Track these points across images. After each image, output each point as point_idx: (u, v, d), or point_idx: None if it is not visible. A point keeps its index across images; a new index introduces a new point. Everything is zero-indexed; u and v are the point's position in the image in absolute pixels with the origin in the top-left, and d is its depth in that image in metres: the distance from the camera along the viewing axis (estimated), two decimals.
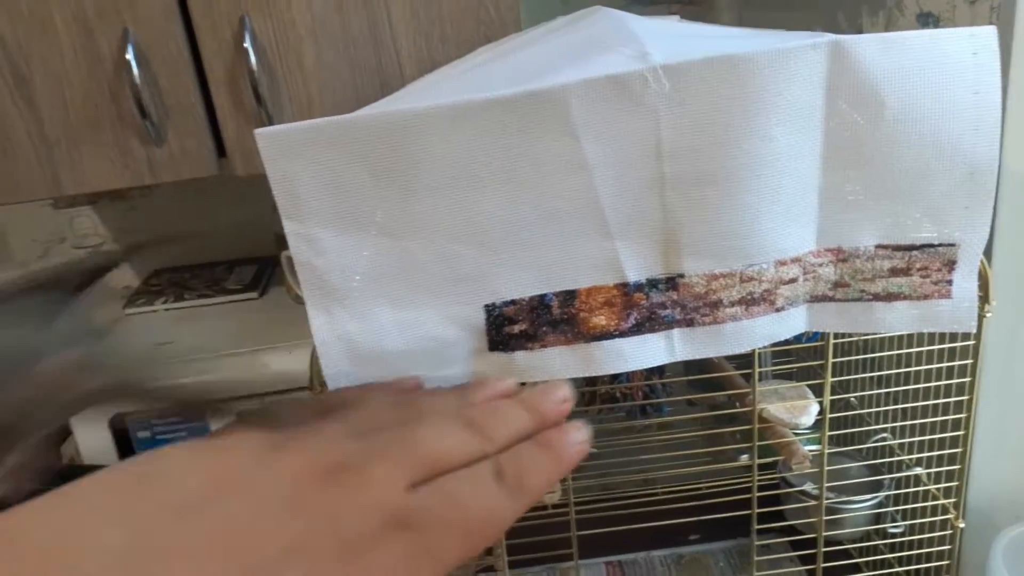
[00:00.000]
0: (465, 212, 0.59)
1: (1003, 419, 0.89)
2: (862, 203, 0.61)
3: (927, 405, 0.78)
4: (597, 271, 0.61)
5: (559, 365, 0.63)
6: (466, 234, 0.59)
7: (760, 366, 0.74)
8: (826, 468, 0.76)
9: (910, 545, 0.84)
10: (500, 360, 0.64)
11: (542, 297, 0.62)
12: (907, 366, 0.78)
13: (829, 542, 0.80)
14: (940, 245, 0.61)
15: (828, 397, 0.72)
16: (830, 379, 0.71)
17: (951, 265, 0.62)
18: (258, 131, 0.56)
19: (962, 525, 0.77)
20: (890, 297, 0.63)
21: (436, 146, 0.57)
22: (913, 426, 0.80)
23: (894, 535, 0.88)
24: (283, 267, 1.26)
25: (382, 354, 0.61)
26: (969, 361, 0.73)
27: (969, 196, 0.59)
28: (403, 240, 0.59)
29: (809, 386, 0.78)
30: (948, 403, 0.76)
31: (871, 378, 0.83)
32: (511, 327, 0.62)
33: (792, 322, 0.64)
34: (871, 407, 0.87)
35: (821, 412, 0.74)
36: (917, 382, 0.77)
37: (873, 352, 0.82)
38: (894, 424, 0.85)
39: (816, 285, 0.64)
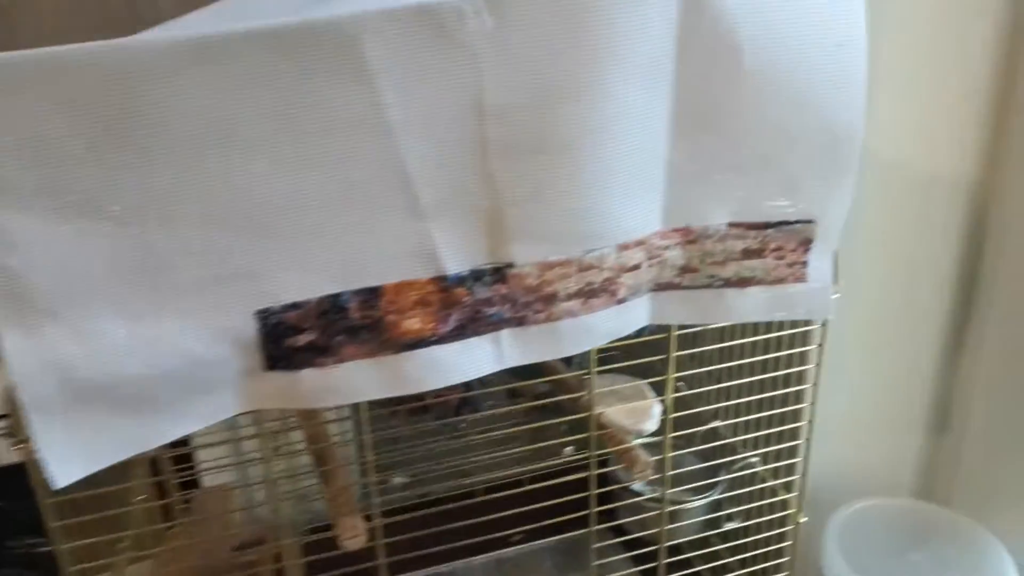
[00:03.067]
0: (225, 187, 0.44)
1: (829, 397, 0.87)
2: (715, 174, 0.53)
3: (761, 388, 0.72)
4: (407, 262, 0.49)
5: (360, 384, 0.50)
6: (228, 217, 0.45)
7: (588, 356, 0.64)
8: (668, 472, 0.68)
9: (747, 538, 0.79)
10: (282, 382, 0.50)
11: (335, 297, 0.49)
12: (741, 351, 0.72)
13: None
14: (797, 222, 0.55)
15: (671, 394, 0.64)
16: (673, 375, 0.63)
17: (807, 244, 0.55)
18: None
19: (804, 519, 0.73)
20: (742, 282, 0.56)
21: (180, 97, 0.42)
22: (748, 408, 0.74)
23: (730, 531, 0.83)
24: None
25: (116, 383, 0.46)
26: (813, 347, 0.67)
27: (830, 165, 0.53)
28: (138, 227, 0.44)
29: (640, 368, 0.70)
30: (786, 390, 0.71)
31: (700, 356, 0.76)
32: (295, 338, 0.49)
33: (634, 314, 0.56)
34: (701, 386, 0.81)
35: (663, 411, 0.66)
36: (753, 368, 0.71)
37: (705, 333, 0.76)
38: (724, 406, 0.80)
39: (661, 271, 0.55)
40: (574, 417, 0.67)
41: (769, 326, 0.69)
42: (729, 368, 0.71)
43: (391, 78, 0.44)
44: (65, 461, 0.46)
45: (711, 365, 0.71)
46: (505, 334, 0.52)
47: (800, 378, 0.70)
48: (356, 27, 0.42)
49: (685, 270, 0.56)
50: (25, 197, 0.42)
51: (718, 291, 0.56)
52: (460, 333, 0.51)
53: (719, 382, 0.72)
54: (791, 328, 0.68)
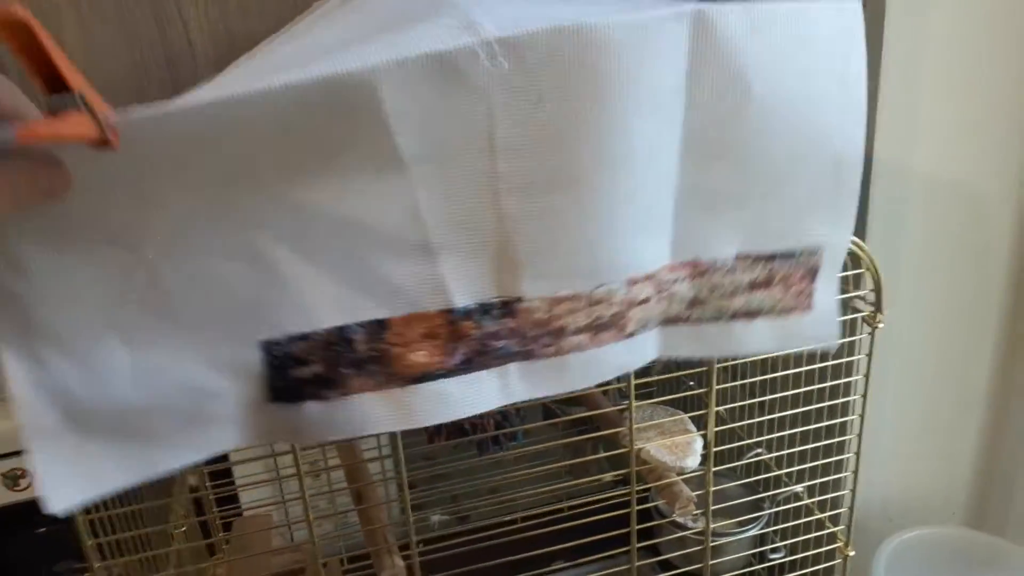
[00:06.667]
0: (235, 217, 0.44)
1: (877, 423, 0.84)
2: (722, 204, 0.52)
3: (808, 418, 0.70)
4: (415, 295, 0.48)
5: (366, 418, 0.49)
6: (236, 246, 0.44)
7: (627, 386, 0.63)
8: (711, 501, 0.67)
9: (793, 571, 0.77)
10: (285, 415, 0.49)
11: (342, 330, 0.48)
12: (785, 382, 0.70)
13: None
14: (803, 252, 0.54)
15: (713, 428, 0.62)
16: (714, 409, 0.62)
17: (813, 273, 0.55)
18: None
19: (852, 553, 0.71)
20: (750, 315, 0.55)
21: (203, 147, 0.41)
22: (792, 440, 0.72)
23: (775, 559, 0.82)
24: None
25: (118, 411, 0.45)
26: (858, 377, 0.65)
27: (834, 193, 0.52)
28: (145, 253, 0.43)
29: (684, 400, 0.68)
30: (831, 421, 0.69)
31: (743, 388, 0.74)
32: (300, 370, 0.48)
33: (643, 349, 0.55)
34: (744, 418, 0.79)
35: (705, 445, 0.65)
36: (797, 400, 0.69)
37: (748, 365, 0.74)
38: (769, 438, 0.78)
39: (670, 305, 0.54)
40: (615, 452, 0.66)
41: (813, 356, 0.67)
42: (773, 400, 0.70)
43: (407, 121, 0.43)
44: (63, 487, 0.45)
45: (754, 397, 0.70)
46: (512, 368, 0.51)
47: (845, 408, 0.68)
48: (375, 78, 0.41)
49: (694, 303, 0.54)
50: (40, 224, 0.41)
51: (726, 324, 0.55)
52: (467, 366, 0.50)
53: (763, 413, 0.70)
54: (835, 359, 0.66)
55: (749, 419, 0.71)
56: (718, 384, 0.62)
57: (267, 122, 0.41)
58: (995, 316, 0.91)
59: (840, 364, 0.66)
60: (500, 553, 0.72)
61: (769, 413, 0.69)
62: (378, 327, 0.48)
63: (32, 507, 0.95)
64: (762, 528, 0.82)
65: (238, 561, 0.82)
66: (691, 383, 0.78)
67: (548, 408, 0.95)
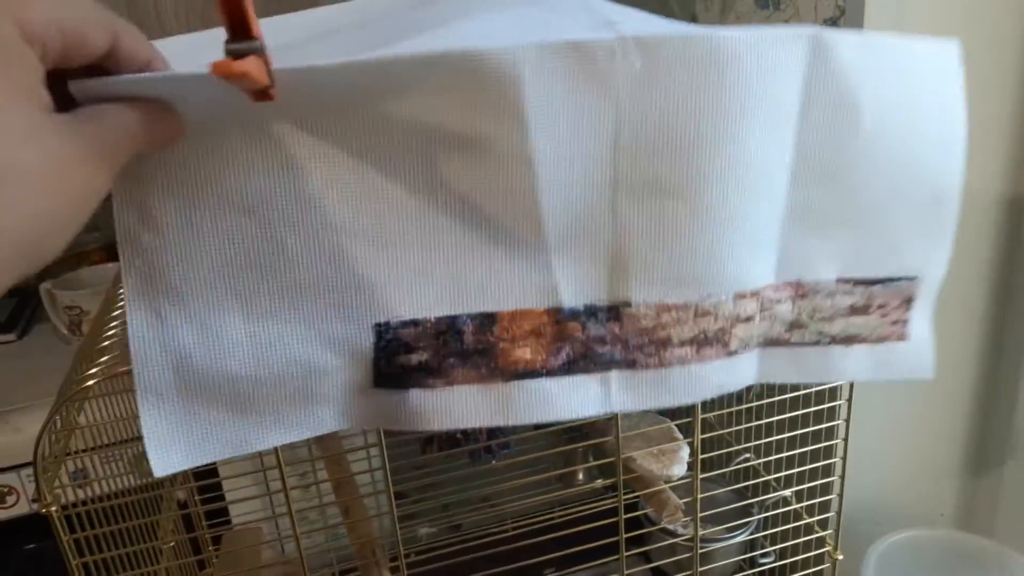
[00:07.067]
0: (364, 197, 0.45)
1: (865, 424, 0.85)
2: (826, 229, 0.52)
3: (795, 423, 0.71)
4: (526, 291, 0.49)
5: (467, 410, 0.49)
6: (361, 225, 0.45)
7: None
8: (699, 508, 0.67)
9: (782, 572, 0.78)
10: (387, 401, 0.49)
11: (453, 320, 0.48)
12: (772, 387, 0.70)
13: None
14: (901, 279, 0.54)
15: (699, 436, 0.63)
16: (700, 417, 0.62)
17: (909, 302, 0.55)
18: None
19: (840, 557, 0.71)
20: (848, 340, 0.55)
21: (335, 112, 0.42)
22: (780, 445, 0.73)
23: (765, 564, 0.82)
24: (44, 302, 1.05)
25: (224, 379, 0.46)
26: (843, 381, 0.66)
27: (932, 223, 0.53)
28: (272, 223, 0.44)
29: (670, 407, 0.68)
30: (818, 426, 0.70)
31: (729, 394, 0.75)
32: (408, 356, 0.48)
33: (743, 370, 0.54)
34: (732, 424, 0.80)
35: (692, 452, 0.65)
36: (784, 404, 0.70)
37: None
38: (757, 444, 0.78)
39: (772, 326, 0.54)
40: (602, 462, 0.66)
41: None
42: (760, 405, 0.70)
43: (540, 111, 0.43)
44: (167, 450, 0.46)
45: (741, 403, 0.70)
46: (615, 376, 0.51)
47: (832, 412, 0.68)
48: (519, 59, 0.41)
49: (794, 326, 0.54)
50: (172, 180, 0.42)
51: (825, 349, 0.55)
52: (569, 369, 0.50)
53: (750, 419, 0.70)
54: None
55: (736, 425, 0.72)
56: None
57: (405, 94, 0.42)
58: (980, 319, 0.92)
59: None
60: (490, 563, 0.72)
61: (756, 419, 0.70)
62: (487, 320, 0.49)
63: (20, 524, 0.95)
64: (751, 533, 0.82)
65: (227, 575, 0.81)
66: None
67: None
